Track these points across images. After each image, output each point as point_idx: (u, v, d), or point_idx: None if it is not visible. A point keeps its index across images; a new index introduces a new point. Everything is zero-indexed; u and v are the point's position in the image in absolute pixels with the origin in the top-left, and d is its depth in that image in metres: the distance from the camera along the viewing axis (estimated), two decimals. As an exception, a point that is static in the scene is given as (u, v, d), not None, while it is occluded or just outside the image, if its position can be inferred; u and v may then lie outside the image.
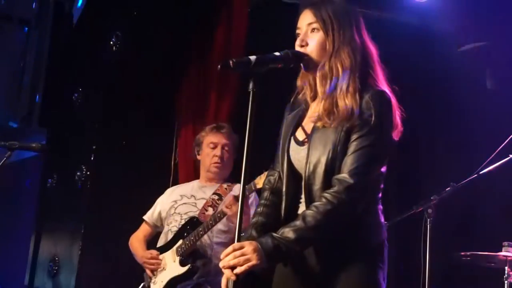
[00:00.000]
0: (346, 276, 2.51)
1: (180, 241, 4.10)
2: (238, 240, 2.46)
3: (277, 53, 2.56)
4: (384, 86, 2.60)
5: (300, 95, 2.68)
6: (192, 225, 4.09)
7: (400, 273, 5.32)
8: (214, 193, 4.22)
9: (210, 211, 4.08)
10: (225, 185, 4.22)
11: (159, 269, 4.16)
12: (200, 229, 4.00)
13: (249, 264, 2.39)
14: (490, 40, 5.36)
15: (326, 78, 2.58)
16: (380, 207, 2.62)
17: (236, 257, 2.41)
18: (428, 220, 3.98)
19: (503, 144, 4.00)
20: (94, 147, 5.33)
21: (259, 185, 3.77)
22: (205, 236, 4.06)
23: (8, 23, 7.34)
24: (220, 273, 3.97)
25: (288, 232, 2.44)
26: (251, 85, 2.49)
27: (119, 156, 5.31)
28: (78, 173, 5.37)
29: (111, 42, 5.39)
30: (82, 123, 5.66)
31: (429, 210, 3.99)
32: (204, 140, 4.33)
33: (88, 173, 5.31)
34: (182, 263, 4.06)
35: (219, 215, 3.94)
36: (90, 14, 5.97)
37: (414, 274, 4.11)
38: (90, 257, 5.13)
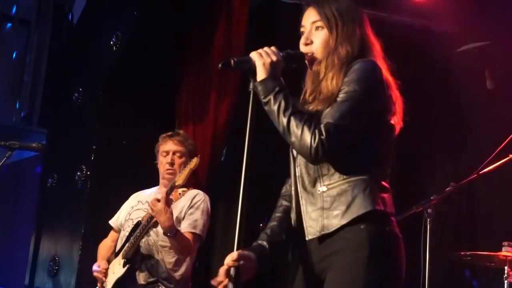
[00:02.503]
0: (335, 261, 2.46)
1: (126, 245, 4.16)
2: (239, 240, 2.45)
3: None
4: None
5: (307, 95, 2.67)
6: (136, 229, 4.14)
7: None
8: None
9: None
10: (180, 190, 4.25)
11: (108, 275, 4.20)
12: (137, 231, 4.06)
13: None
14: (490, 40, 5.35)
15: (320, 72, 2.57)
16: (380, 182, 2.55)
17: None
18: (428, 220, 3.98)
19: (503, 144, 4.00)
20: (94, 147, 5.33)
21: (178, 182, 3.87)
22: (151, 240, 4.12)
23: (8, 23, 7.34)
24: (170, 276, 4.03)
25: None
26: (251, 85, 2.49)
27: (119, 156, 5.31)
28: (78, 173, 5.37)
29: (111, 42, 5.39)
30: (82, 123, 5.66)
31: (429, 210, 3.99)
32: (159, 149, 4.39)
33: (88, 173, 5.31)
34: (123, 264, 4.11)
35: (149, 217, 4.00)
36: (90, 14, 5.97)
37: (414, 274, 4.11)
38: (90, 257, 5.12)
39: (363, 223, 2.44)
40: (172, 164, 4.29)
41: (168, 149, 4.32)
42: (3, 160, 3.82)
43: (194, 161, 3.86)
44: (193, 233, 4.14)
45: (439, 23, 5.38)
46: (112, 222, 4.48)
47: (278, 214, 2.71)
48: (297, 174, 2.58)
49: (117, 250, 4.29)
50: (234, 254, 2.45)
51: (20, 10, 7.37)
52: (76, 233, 5.27)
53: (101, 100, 5.47)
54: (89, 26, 5.94)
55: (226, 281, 2.44)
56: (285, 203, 2.72)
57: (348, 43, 2.56)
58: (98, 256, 4.43)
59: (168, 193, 3.92)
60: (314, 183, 2.53)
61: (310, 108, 2.51)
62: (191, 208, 4.18)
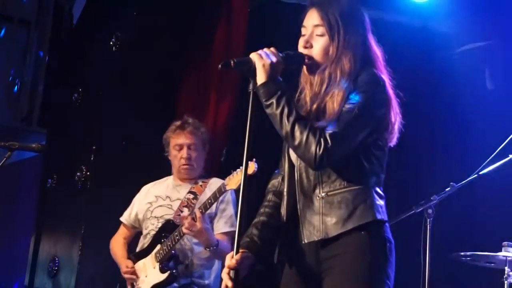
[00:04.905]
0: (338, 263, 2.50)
1: (158, 246, 4.08)
2: (238, 243, 2.46)
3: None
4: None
5: (302, 95, 2.68)
6: (168, 229, 4.06)
7: (400, 273, 5.32)
8: (189, 192, 4.20)
9: (186, 211, 4.05)
10: (200, 182, 4.21)
11: (140, 277, 4.12)
12: (176, 233, 3.98)
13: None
14: (490, 40, 5.36)
15: (323, 83, 2.58)
16: (377, 190, 2.57)
17: None
18: (428, 220, 3.98)
19: (503, 144, 4.00)
20: (94, 147, 5.33)
21: (230, 187, 3.78)
22: (184, 239, 4.04)
23: (8, 23, 7.34)
24: (203, 274, 4.01)
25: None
26: (251, 86, 2.49)
27: (119, 156, 5.30)
28: (78, 173, 5.36)
29: (111, 42, 5.39)
30: (82, 123, 5.66)
31: (429, 210, 3.99)
32: (170, 141, 4.29)
33: (88, 173, 5.31)
34: (162, 270, 4.03)
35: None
36: (90, 14, 5.97)
37: (414, 274, 4.10)
38: (90, 257, 5.13)
39: (364, 230, 2.49)
40: (189, 158, 4.21)
41: (181, 142, 4.23)
42: (3, 161, 3.82)
43: (251, 166, 3.59)
44: (231, 231, 4.02)
45: (439, 23, 5.38)
46: (125, 218, 4.38)
47: (268, 210, 2.71)
48: (296, 178, 2.59)
49: (141, 248, 4.20)
50: (237, 257, 2.46)
51: (20, 10, 7.37)
52: (76, 233, 5.26)
53: (101, 100, 5.47)
54: (89, 26, 5.94)
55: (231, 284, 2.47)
56: (274, 198, 2.73)
57: (352, 55, 2.56)
58: (116, 256, 4.32)
59: (203, 212, 3.85)
60: (313, 188, 2.55)
61: (315, 124, 2.52)
62: (221, 203, 4.07)
